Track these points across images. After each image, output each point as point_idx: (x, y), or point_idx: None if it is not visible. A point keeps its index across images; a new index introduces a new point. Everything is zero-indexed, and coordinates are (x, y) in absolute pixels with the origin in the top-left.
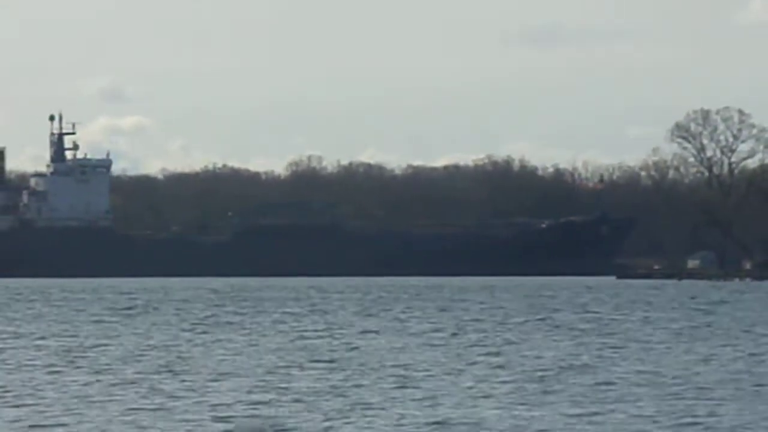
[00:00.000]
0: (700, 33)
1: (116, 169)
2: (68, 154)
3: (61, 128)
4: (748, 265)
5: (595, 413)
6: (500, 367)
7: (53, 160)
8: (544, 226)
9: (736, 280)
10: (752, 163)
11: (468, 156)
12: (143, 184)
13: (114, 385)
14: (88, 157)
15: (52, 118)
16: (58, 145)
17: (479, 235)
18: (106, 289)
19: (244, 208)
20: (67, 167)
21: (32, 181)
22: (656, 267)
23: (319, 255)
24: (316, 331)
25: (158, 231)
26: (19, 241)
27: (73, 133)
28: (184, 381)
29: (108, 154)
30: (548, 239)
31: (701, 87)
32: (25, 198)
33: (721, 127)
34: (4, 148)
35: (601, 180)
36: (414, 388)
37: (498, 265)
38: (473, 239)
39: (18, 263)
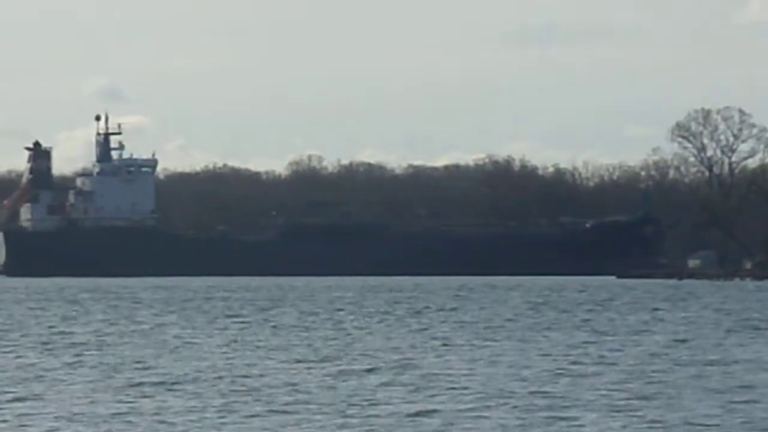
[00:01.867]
0: (700, 33)
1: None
2: (114, 154)
3: (107, 128)
4: (748, 265)
5: None
6: None
7: (99, 160)
8: (588, 225)
9: (737, 279)
10: (753, 162)
11: (468, 156)
12: None
13: None
14: (134, 156)
15: (98, 118)
16: (103, 145)
17: (524, 235)
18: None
19: (289, 208)
20: (113, 167)
21: (78, 181)
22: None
23: (364, 254)
24: None
25: (204, 230)
26: (66, 240)
27: (119, 133)
28: None
29: (153, 154)
30: (593, 239)
31: (701, 87)
32: (71, 198)
33: (722, 126)
34: (50, 148)
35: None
36: None
37: (542, 265)
38: (518, 239)
39: (65, 263)
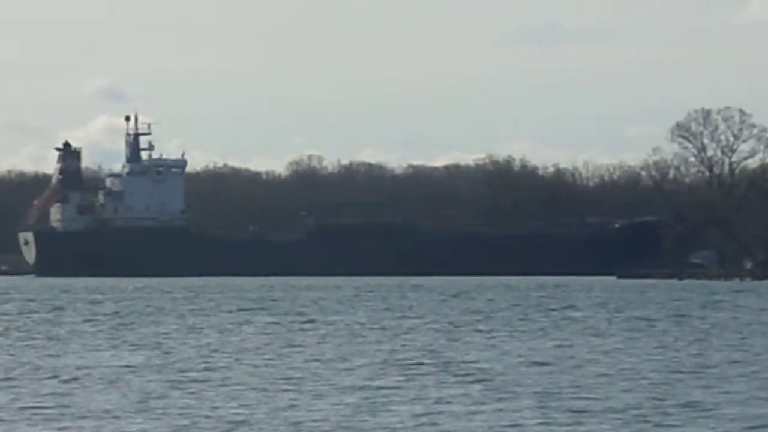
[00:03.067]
0: (700, 33)
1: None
2: (143, 154)
3: (137, 128)
4: (749, 265)
5: None
6: None
7: (129, 160)
8: (617, 225)
9: (737, 279)
10: (753, 162)
11: (468, 156)
12: None
13: None
14: (164, 157)
15: (128, 118)
16: (133, 145)
17: (553, 235)
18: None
19: (317, 208)
20: (143, 167)
21: (108, 181)
22: None
23: (393, 254)
24: None
25: (234, 230)
26: (96, 241)
27: (149, 134)
28: None
29: (183, 154)
30: (622, 239)
31: (701, 87)
32: (101, 198)
33: (722, 126)
34: (80, 148)
35: (674, 180)
36: None
37: (572, 265)
38: (547, 239)
39: (95, 263)
